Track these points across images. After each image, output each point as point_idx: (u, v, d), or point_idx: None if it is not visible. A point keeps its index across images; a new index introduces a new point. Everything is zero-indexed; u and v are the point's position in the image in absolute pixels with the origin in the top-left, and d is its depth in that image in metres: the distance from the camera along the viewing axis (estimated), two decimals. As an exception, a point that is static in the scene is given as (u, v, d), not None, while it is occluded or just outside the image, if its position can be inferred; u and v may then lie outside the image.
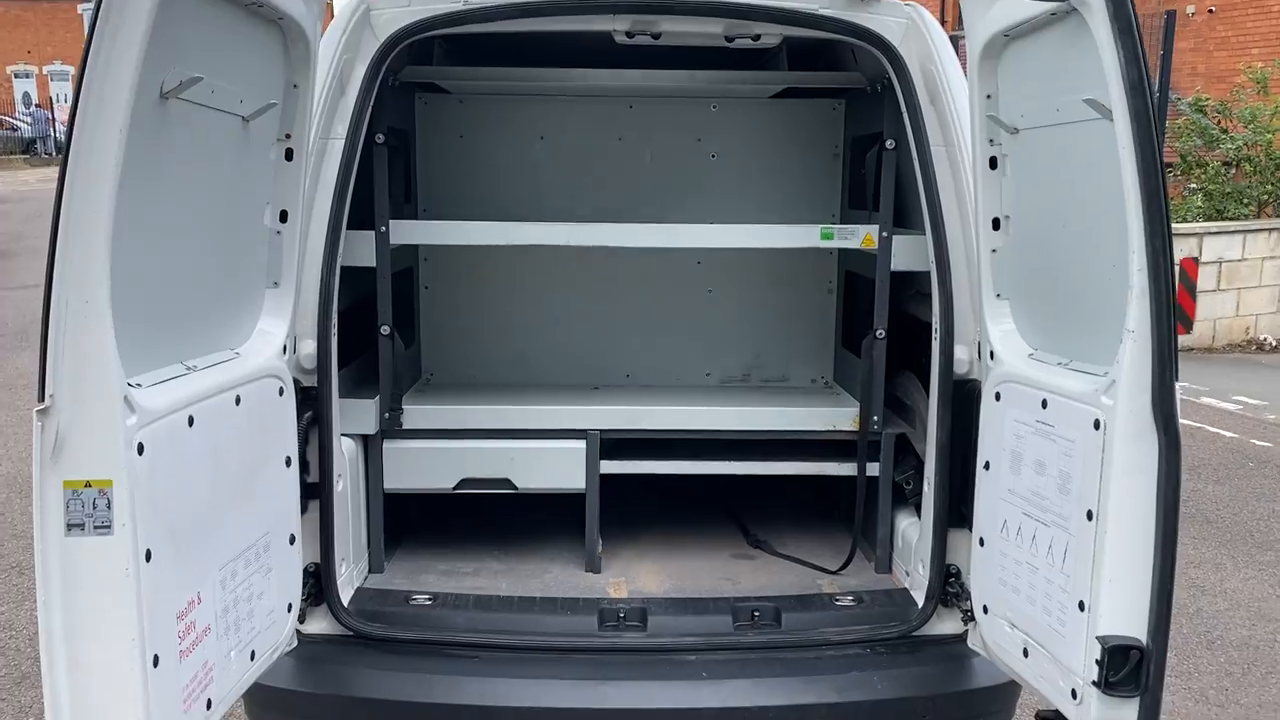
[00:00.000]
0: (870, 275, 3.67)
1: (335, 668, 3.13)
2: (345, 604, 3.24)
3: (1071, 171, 2.61)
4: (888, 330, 3.58)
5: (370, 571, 3.64)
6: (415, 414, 3.65)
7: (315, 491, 3.15)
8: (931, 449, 3.20)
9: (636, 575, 3.69)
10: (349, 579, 3.38)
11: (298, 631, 3.06)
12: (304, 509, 3.07)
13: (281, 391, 2.84)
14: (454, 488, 3.66)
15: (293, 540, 2.92)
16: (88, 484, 2.00)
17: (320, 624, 3.21)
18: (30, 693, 4.46)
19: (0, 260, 17.89)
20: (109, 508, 2.01)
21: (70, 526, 2.00)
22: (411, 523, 3.98)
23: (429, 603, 3.38)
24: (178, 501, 2.26)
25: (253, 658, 2.69)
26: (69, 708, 2.03)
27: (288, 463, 2.88)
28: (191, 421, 2.32)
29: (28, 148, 40.40)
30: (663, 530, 4.09)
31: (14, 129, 41.20)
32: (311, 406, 3.10)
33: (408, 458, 3.64)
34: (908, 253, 3.45)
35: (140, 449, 2.09)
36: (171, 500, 2.23)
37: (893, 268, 3.48)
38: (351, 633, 3.18)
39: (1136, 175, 2.22)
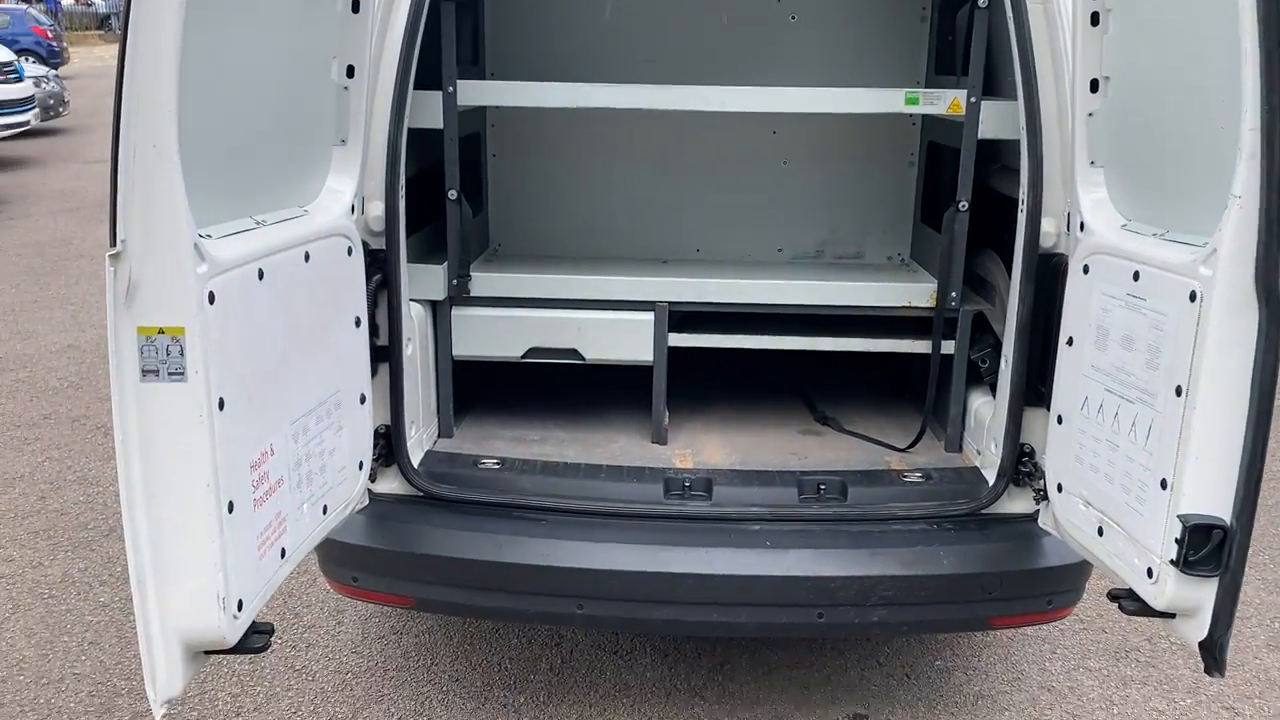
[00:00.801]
0: (954, 145, 3.50)
1: (405, 526, 3.19)
2: (415, 465, 3.29)
3: (1181, 25, 2.43)
4: (969, 205, 3.44)
5: (439, 436, 3.68)
6: (483, 282, 3.63)
7: (385, 355, 3.17)
8: (1011, 325, 3.10)
9: (702, 448, 3.68)
10: (418, 442, 3.42)
11: (369, 490, 3.12)
12: (374, 372, 3.10)
13: (350, 251, 2.83)
14: (521, 357, 3.66)
15: (363, 400, 2.95)
16: (160, 330, 2.01)
17: (391, 484, 3.27)
18: (118, 545, 4.66)
19: (78, 135, 18.18)
20: (182, 355, 2.02)
21: (145, 372, 2.02)
22: (479, 391, 4.01)
23: (497, 467, 3.42)
24: (249, 353, 2.27)
25: (325, 512, 2.74)
26: (149, 553, 2.09)
27: (357, 323, 2.89)
28: (261, 275, 2.32)
29: (102, 23, 40.56)
30: (729, 405, 4.07)
31: (89, 4, 41.34)
32: (380, 269, 3.10)
33: (476, 325, 3.63)
34: (996, 119, 3.28)
35: (211, 298, 2.09)
36: (243, 352, 2.24)
37: (980, 135, 3.32)
38: (421, 493, 3.23)
39: (1256, 26, 2.05)
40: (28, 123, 15.97)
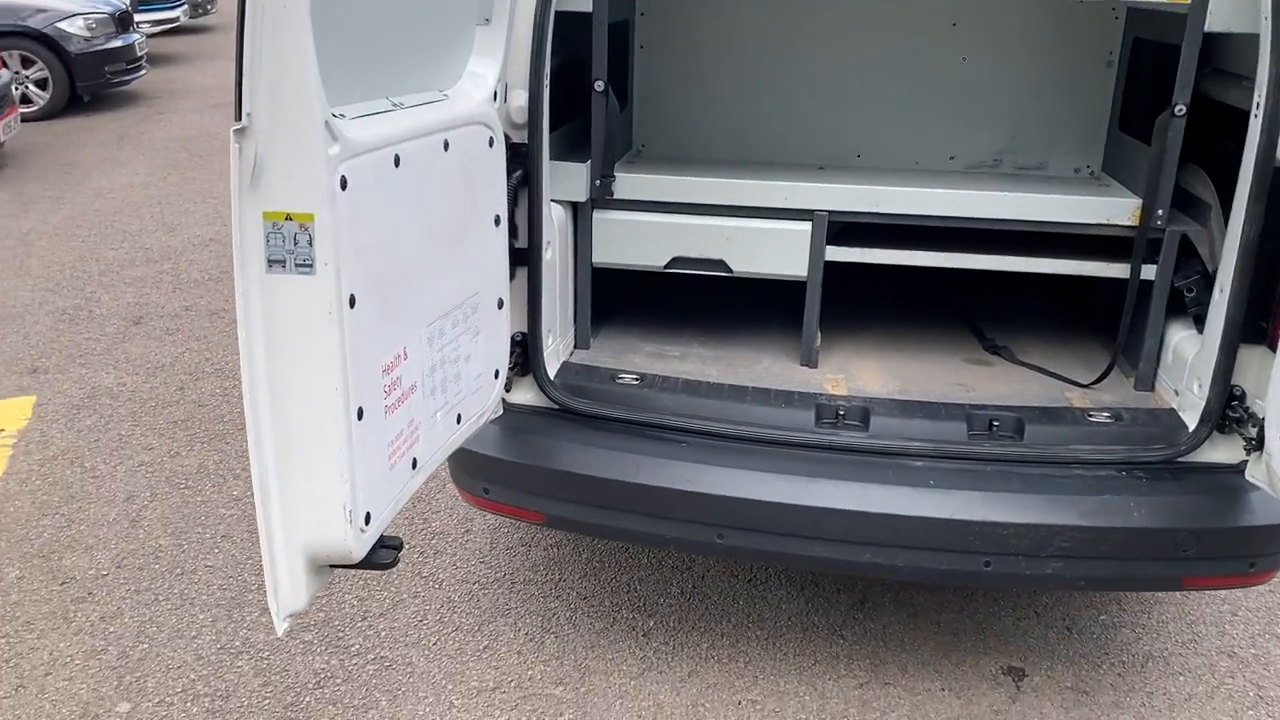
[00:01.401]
0: (1166, 41, 3.04)
1: (541, 439, 3.02)
2: (551, 377, 3.09)
3: None
4: (1186, 109, 2.99)
5: (576, 347, 3.48)
6: (627, 183, 3.37)
7: (523, 258, 2.96)
8: (1232, 250, 2.68)
9: (857, 374, 3.38)
10: (555, 352, 3.23)
11: (503, 400, 2.95)
12: (511, 275, 2.90)
13: (491, 143, 2.60)
14: (664, 266, 3.41)
15: (500, 305, 2.75)
16: (288, 217, 1.82)
17: (526, 395, 3.09)
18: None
19: (225, 32, 18.50)
20: (310, 245, 1.84)
21: (270, 263, 1.85)
22: (619, 301, 3.78)
23: (636, 383, 3.20)
24: (383, 247, 2.08)
25: (459, 421, 2.57)
26: (273, 459, 1.94)
27: (496, 221, 2.68)
28: (398, 161, 2.11)
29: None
30: (886, 328, 3.74)
31: (237, -96, 41.91)
32: (521, 165, 2.87)
33: (618, 230, 3.39)
34: (1229, 9, 2.81)
35: (344, 184, 1.89)
36: (376, 245, 2.05)
37: (1206, 29, 2.86)
38: (557, 406, 3.04)
39: None
40: (177, 19, 16.27)
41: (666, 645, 3.43)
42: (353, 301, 1.95)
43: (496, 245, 2.70)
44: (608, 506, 2.95)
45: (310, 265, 1.85)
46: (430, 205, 2.30)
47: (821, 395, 3.17)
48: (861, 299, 3.92)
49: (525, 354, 3.04)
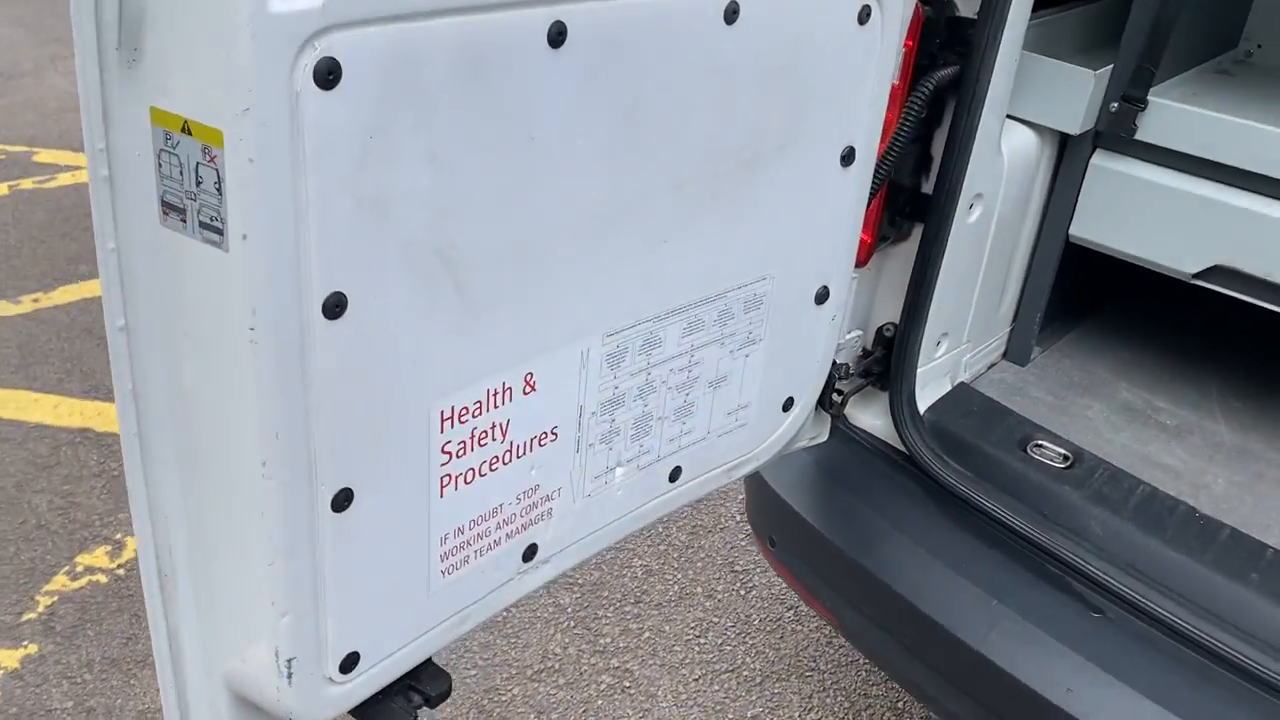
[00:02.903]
0: None
1: (860, 503, 1.90)
2: (918, 408, 1.91)
3: None
4: None
5: (1006, 358, 2.20)
6: (1174, 118, 1.90)
7: (919, 210, 1.77)
8: None
9: None
10: (948, 366, 2.01)
11: (843, 417, 1.90)
12: (887, 235, 1.75)
13: (865, 14, 1.40)
14: (1192, 276, 1.95)
15: (824, 297, 1.61)
16: (186, 128, 0.89)
17: (876, 419, 1.96)
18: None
19: None
20: (219, 191, 0.90)
21: (166, 208, 0.94)
22: (1085, 303, 2.37)
23: (1061, 464, 1.88)
24: (470, 199, 1.07)
25: (674, 479, 1.54)
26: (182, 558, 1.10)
27: (847, 159, 1.50)
28: (560, 38, 1.06)
29: None
30: None
31: None
32: (957, 53, 1.65)
33: (1129, 193, 1.96)
34: None
35: (328, 73, 0.90)
36: (448, 193, 1.04)
37: None
38: (907, 454, 1.88)
39: None
40: None
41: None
42: (336, 308, 0.98)
43: (835, 196, 1.53)
44: (928, 663, 1.78)
45: (219, 229, 0.91)
46: (654, 123, 1.22)
47: None
48: None
49: (889, 358, 1.89)
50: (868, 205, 1.66)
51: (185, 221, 0.93)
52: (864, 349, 1.95)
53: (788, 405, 1.67)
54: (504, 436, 1.24)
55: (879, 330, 1.94)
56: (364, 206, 0.97)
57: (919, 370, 1.92)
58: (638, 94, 1.18)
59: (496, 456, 1.24)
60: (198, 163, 0.89)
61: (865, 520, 1.89)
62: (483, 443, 1.22)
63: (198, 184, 0.90)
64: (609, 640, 2.68)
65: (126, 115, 0.90)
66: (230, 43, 0.83)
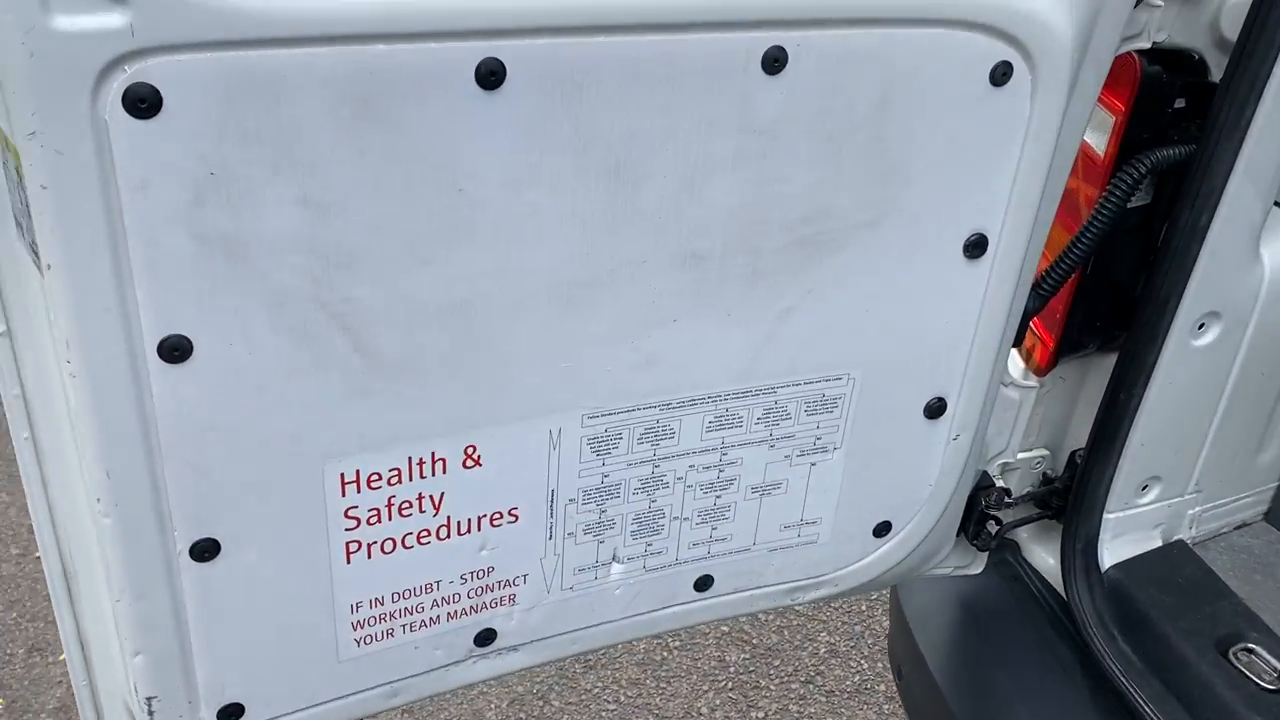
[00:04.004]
0: None
1: (988, 666, 1.55)
2: (1104, 563, 1.51)
3: None
4: None
5: (1269, 520, 1.70)
6: None
7: (1116, 321, 1.41)
8: None
9: None
10: (1154, 521, 1.58)
11: (1017, 550, 1.58)
12: (1095, 343, 1.43)
13: (1004, 75, 1.07)
14: None
15: (938, 409, 1.29)
16: (4, 143, 0.83)
17: (1048, 558, 1.59)
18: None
19: None
20: (27, 211, 0.83)
21: (17, 222, 0.89)
22: None
23: (1273, 687, 1.40)
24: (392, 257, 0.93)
25: (703, 588, 1.31)
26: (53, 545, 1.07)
27: (972, 249, 1.17)
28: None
29: None
30: None
31: None
32: (1189, 129, 1.27)
33: None
34: None
35: (141, 103, 0.79)
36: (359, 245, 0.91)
37: None
38: (1070, 615, 1.50)
39: None
40: None
41: None
42: (175, 351, 0.89)
43: (956, 293, 1.21)
44: None
45: (37, 254, 0.85)
46: (652, 184, 1.00)
47: None
48: None
49: (1065, 494, 1.52)
50: (1042, 303, 1.32)
51: (24, 238, 0.87)
52: (1045, 474, 1.58)
53: (882, 531, 1.37)
54: (437, 510, 1.10)
55: (1072, 455, 1.56)
56: (209, 247, 0.86)
57: (1111, 515, 1.52)
58: (625, 150, 0.97)
59: (427, 529, 1.11)
60: (14, 178, 0.83)
61: (990, 683, 1.53)
62: (404, 513, 1.08)
63: (25, 204, 0.84)
64: (761, 716, 2.45)
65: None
66: (6, 60, 0.75)
